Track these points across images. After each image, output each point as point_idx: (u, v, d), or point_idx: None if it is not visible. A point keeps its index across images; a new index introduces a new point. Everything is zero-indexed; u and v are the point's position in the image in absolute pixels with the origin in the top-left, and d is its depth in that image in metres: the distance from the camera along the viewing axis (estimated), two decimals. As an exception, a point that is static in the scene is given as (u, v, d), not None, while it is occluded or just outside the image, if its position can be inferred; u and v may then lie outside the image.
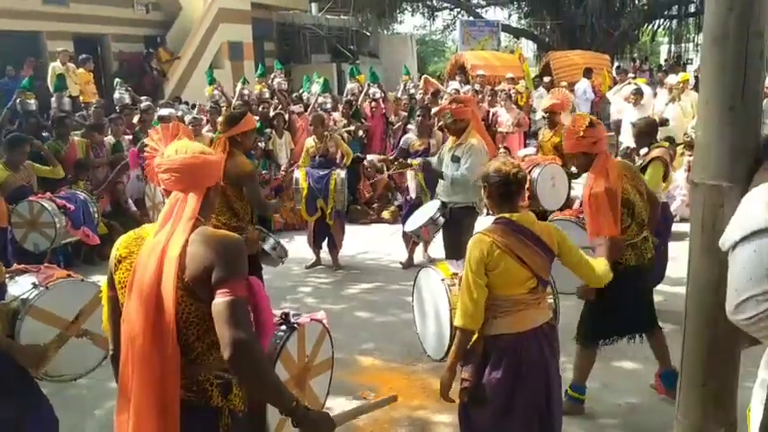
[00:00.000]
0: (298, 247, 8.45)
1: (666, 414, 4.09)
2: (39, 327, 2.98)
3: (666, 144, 6.03)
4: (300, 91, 12.56)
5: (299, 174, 7.41)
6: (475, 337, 3.01)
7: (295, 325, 2.47)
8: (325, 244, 7.71)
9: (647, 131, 5.72)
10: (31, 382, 2.95)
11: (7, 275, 3.13)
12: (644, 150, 5.72)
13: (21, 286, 3.09)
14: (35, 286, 3.06)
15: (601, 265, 3.15)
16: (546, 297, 3.07)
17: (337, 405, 4.21)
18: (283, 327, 2.46)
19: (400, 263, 7.61)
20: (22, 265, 3.36)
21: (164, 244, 2.05)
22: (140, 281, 2.06)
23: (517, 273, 2.88)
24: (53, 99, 9.58)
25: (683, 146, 9.62)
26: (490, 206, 3.11)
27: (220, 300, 1.96)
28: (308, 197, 7.35)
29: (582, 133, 3.84)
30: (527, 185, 4.80)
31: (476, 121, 5.93)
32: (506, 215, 2.96)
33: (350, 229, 8.91)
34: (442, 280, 3.53)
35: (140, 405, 2.06)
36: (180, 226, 2.08)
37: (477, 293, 2.86)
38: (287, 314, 2.50)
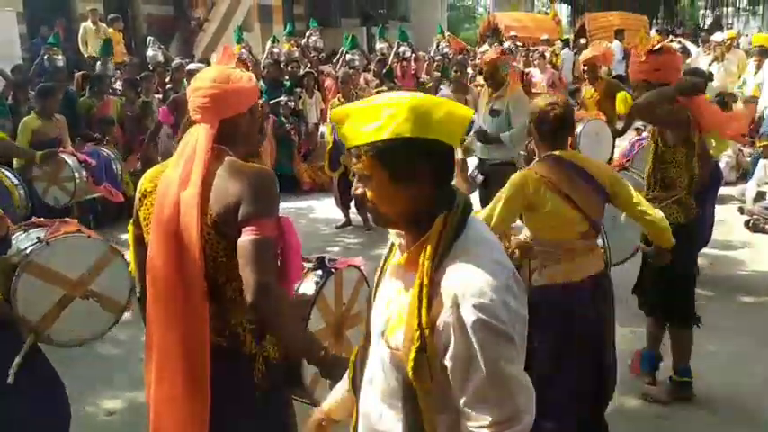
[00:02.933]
0: (326, 208, 8.31)
1: (716, 380, 3.89)
2: (38, 284, 2.69)
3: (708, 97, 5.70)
4: (342, 50, 12.11)
5: (324, 128, 7.17)
6: None
7: (332, 269, 2.29)
8: (353, 204, 7.54)
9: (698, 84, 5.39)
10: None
11: (21, 229, 2.93)
12: None
13: (28, 240, 2.80)
14: (39, 240, 2.75)
15: (659, 213, 2.86)
16: (598, 245, 2.82)
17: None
18: (319, 271, 2.28)
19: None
20: (37, 219, 3.12)
21: (180, 179, 1.90)
22: (159, 218, 1.92)
23: (566, 213, 2.66)
24: (98, 64, 9.43)
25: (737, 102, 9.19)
26: (537, 145, 2.87)
27: (246, 238, 1.81)
28: (332, 152, 7.12)
29: (643, 57, 3.49)
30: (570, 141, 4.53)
31: (513, 75, 5.66)
32: (555, 152, 2.74)
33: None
34: None
35: (165, 350, 1.93)
36: (195, 162, 1.91)
37: (497, 221, 2.63)
38: (322, 258, 2.32)
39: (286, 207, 8.19)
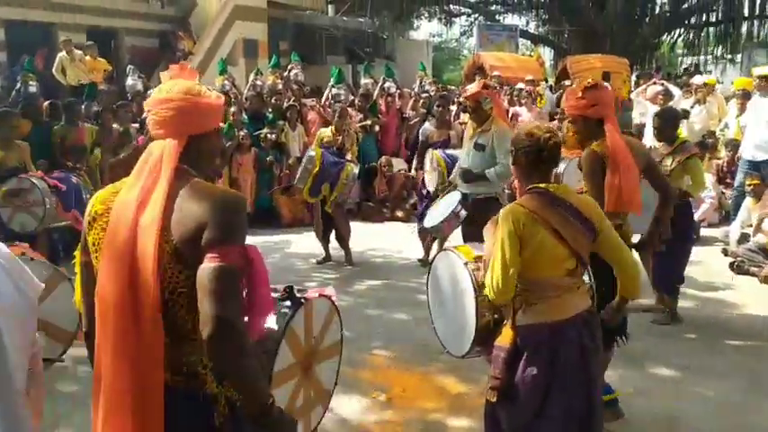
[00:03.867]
0: (305, 242, 8.14)
1: (704, 425, 3.75)
2: None
3: (688, 138, 5.69)
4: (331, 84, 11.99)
5: (313, 152, 6.99)
6: (505, 330, 2.65)
7: (302, 300, 2.12)
8: (333, 238, 7.38)
9: (672, 123, 5.37)
10: None
11: None
12: (662, 145, 5.34)
13: None
14: None
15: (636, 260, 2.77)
16: (584, 282, 2.68)
17: (344, 403, 3.89)
18: (288, 302, 2.12)
19: (418, 260, 7.22)
20: None
21: (138, 200, 1.73)
22: (112, 243, 1.73)
23: (554, 250, 2.51)
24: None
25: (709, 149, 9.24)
26: (518, 176, 2.74)
27: (207, 266, 1.63)
28: (316, 177, 6.89)
29: (580, 94, 3.49)
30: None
31: (498, 108, 5.59)
32: (541, 185, 2.60)
33: (361, 227, 8.62)
34: (466, 264, 3.10)
35: (114, 392, 1.73)
36: (159, 180, 1.74)
37: (511, 268, 2.46)
38: (291, 288, 2.15)
39: (264, 240, 8.02)
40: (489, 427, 2.75)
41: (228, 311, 1.61)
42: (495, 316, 2.84)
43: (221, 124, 1.92)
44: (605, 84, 5.29)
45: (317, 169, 6.83)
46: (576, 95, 3.55)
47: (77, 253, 1.98)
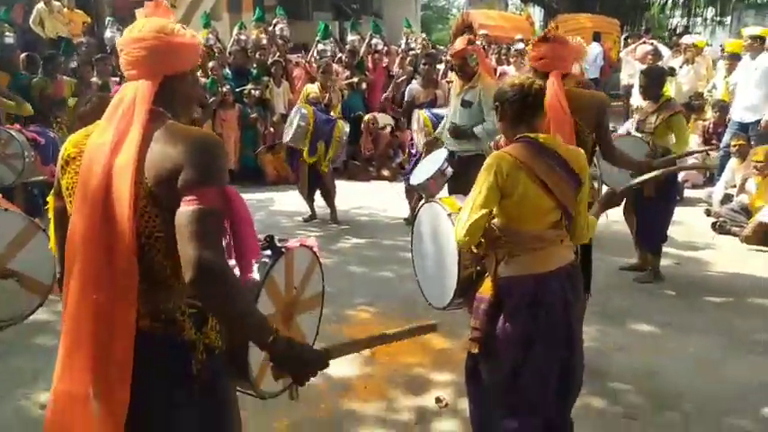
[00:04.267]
0: (290, 200, 8.09)
1: (683, 380, 3.81)
2: None
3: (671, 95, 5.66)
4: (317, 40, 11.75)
5: (305, 110, 6.88)
6: (486, 282, 2.62)
7: (282, 249, 2.08)
8: (318, 197, 7.34)
9: (658, 81, 5.34)
10: None
11: None
12: (648, 103, 5.32)
13: None
14: None
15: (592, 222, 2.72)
16: (567, 234, 2.63)
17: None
18: (268, 251, 2.08)
19: (404, 219, 7.20)
20: None
21: (112, 144, 1.66)
22: (86, 187, 1.68)
23: (539, 201, 2.46)
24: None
25: (695, 110, 9.24)
26: (505, 131, 2.66)
27: (185, 209, 1.58)
28: (312, 136, 6.83)
29: (532, 46, 3.49)
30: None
31: (484, 65, 5.50)
32: (529, 134, 2.53)
33: (347, 186, 8.57)
34: (449, 215, 3.05)
35: (78, 336, 1.67)
36: (132, 122, 1.68)
37: (481, 211, 2.43)
38: (272, 237, 2.11)
39: (249, 198, 7.89)
40: (470, 381, 2.74)
41: (210, 253, 1.56)
42: (478, 268, 2.79)
43: (204, 79, 1.85)
44: (575, 39, 5.24)
45: (311, 128, 6.75)
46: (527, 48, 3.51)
47: (50, 198, 1.93)
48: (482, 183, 2.47)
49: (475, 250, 2.68)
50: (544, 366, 2.53)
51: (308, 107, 6.93)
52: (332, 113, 7.22)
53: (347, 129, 7.09)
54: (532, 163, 2.44)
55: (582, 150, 2.68)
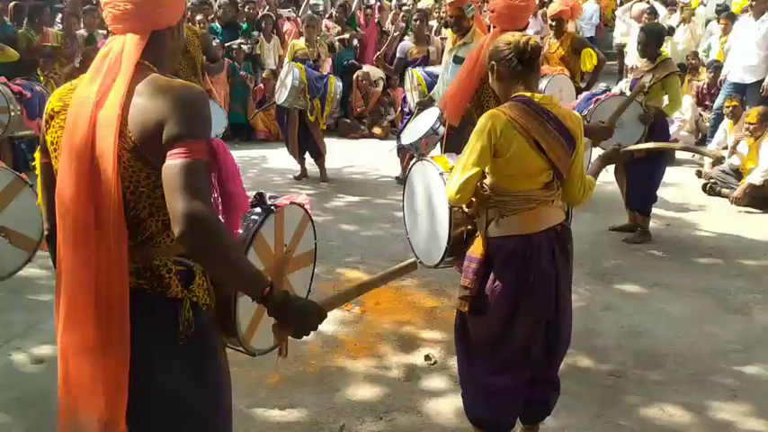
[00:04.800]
0: (281, 157, 8.04)
1: (669, 338, 3.87)
2: None
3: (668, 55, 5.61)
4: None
5: (297, 69, 6.75)
6: (477, 241, 2.61)
7: (272, 207, 2.07)
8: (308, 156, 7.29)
9: (656, 38, 5.29)
10: None
11: None
12: (645, 62, 5.27)
13: None
14: None
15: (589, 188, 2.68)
16: (560, 195, 2.60)
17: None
18: (258, 209, 2.06)
19: (396, 178, 7.18)
20: None
21: (96, 98, 1.63)
22: (71, 142, 1.64)
23: (531, 161, 2.42)
24: None
25: (689, 71, 9.18)
26: (501, 91, 2.61)
27: (171, 162, 1.55)
28: (310, 93, 6.75)
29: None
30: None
31: (480, 23, 5.41)
32: (525, 93, 2.48)
33: (338, 143, 8.52)
34: (441, 174, 3.01)
35: (76, 294, 1.67)
36: (118, 76, 1.64)
37: (473, 170, 2.42)
38: (262, 194, 2.09)
39: (239, 156, 7.88)
40: (459, 338, 2.75)
41: (199, 205, 1.53)
42: (469, 227, 2.77)
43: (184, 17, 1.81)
44: None
45: (305, 86, 6.66)
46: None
47: (37, 154, 1.90)
48: (475, 141, 2.44)
49: (466, 210, 2.67)
50: (532, 324, 2.55)
51: (299, 65, 6.82)
52: (321, 70, 7.12)
53: (340, 84, 7.00)
54: (527, 122, 2.40)
55: (576, 114, 2.64)
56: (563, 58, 6.55)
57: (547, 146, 2.41)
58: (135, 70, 1.66)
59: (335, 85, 6.85)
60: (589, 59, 6.48)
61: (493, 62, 2.57)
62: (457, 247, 2.86)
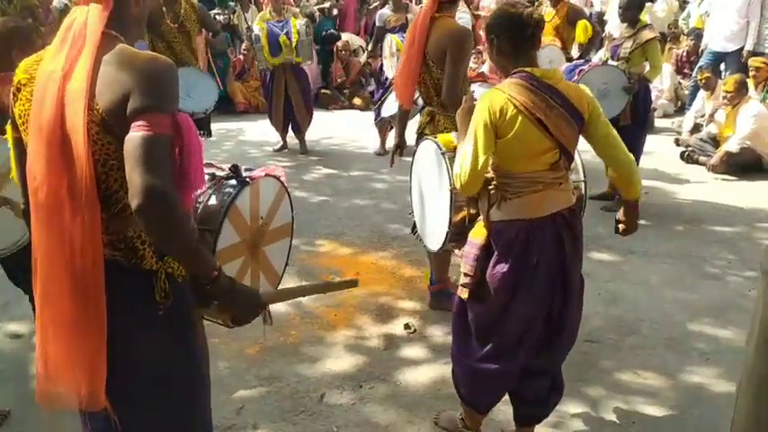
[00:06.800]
0: (260, 129, 7.98)
1: (645, 305, 3.93)
2: None
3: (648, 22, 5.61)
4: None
5: (258, 31, 6.65)
6: (478, 226, 2.49)
7: (247, 179, 2.06)
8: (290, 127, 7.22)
9: (638, 4, 5.30)
10: None
11: None
12: (625, 27, 5.28)
13: None
14: None
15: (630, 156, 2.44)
16: (569, 177, 2.42)
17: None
18: (233, 181, 2.05)
19: (374, 152, 7.17)
20: None
21: (63, 71, 1.60)
22: (39, 117, 1.62)
23: (536, 141, 2.27)
24: None
25: (669, 39, 9.18)
26: (500, 65, 2.47)
27: (133, 134, 1.53)
28: (269, 38, 6.60)
29: None
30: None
31: (460, -8, 5.36)
32: (526, 69, 2.32)
33: (318, 115, 8.43)
34: (443, 154, 2.82)
35: (51, 267, 1.66)
36: (84, 47, 1.61)
37: (482, 158, 2.24)
38: (237, 167, 2.08)
39: (218, 128, 7.80)
40: (457, 326, 2.64)
41: (158, 180, 1.52)
42: (473, 211, 2.64)
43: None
44: None
45: (265, 38, 6.56)
46: None
47: (8, 127, 1.86)
48: (476, 125, 2.29)
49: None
50: (531, 313, 2.43)
51: (260, 23, 6.70)
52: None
53: (303, 22, 6.79)
54: (528, 100, 2.26)
55: (585, 87, 2.47)
56: (557, 27, 6.51)
57: (551, 123, 2.26)
58: (101, 40, 1.63)
59: (299, 25, 6.65)
60: (584, 32, 6.43)
61: (492, 36, 2.41)
62: (459, 232, 2.77)
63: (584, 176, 2.82)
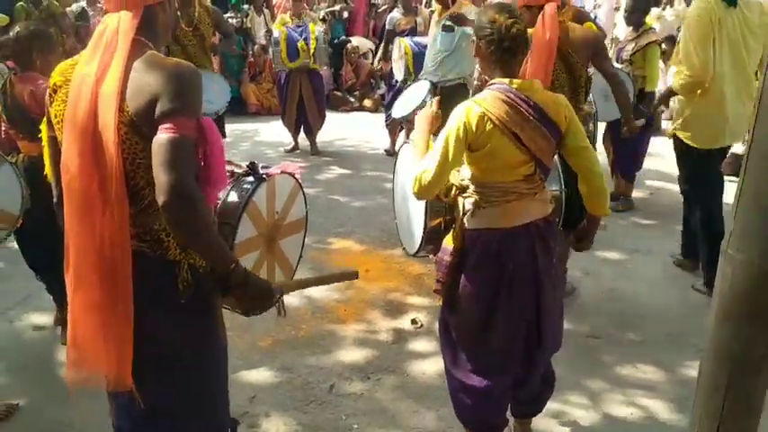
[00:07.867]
0: (273, 130, 8.12)
1: (646, 301, 4.03)
2: None
3: (651, 24, 5.70)
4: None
5: (277, 33, 6.83)
6: (452, 233, 2.46)
7: (264, 176, 2.19)
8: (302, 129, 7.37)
9: (643, 6, 5.38)
10: None
11: None
12: (630, 30, 5.38)
13: None
14: None
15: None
16: (544, 187, 2.44)
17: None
18: (250, 178, 2.18)
19: (384, 151, 7.30)
20: None
21: (96, 76, 1.73)
22: (73, 117, 1.76)
23: (510, 155, 2.28)
24: None
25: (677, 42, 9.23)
26: (482, 68, 2.54)
27: (161, 136, 1.66)
28: (288, 42, 6.78)
29: None
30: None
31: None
32: (504, 80, 2.32)
33: (329, 116, 8.56)
34: None
35: (83, 256, 1.80)
36: (116, 53, 1.74)
37: (447, 171, 2.28)
38: (254, 164, 2.21)
39: (232, 129, 7.95)
40: (442, 332, 2.64)
41: (182, 179, 1.64)
42: (448, 217, 2.64)
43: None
44: None
45: (284, 40, 6.71)
46: None
47: (43, 127, 2.01)
48: (449, 137, 2.27)
49: (444, 199, 2.53)
50: (509, 325, 2.41)
51: (279, 27, 6.86)
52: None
53: (321, 29, 6.99)
54: (503, 114, 2.25)
55: (562, 97, 2.45)
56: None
57: (526, 137, 2.27)
58: (132, 46, 1.76)
59: (317, 31, 6.85)
60: None
61: (474, 37, 2.45)
62: (434, 237, 2.78)
63: (563, 187, 2.88)
